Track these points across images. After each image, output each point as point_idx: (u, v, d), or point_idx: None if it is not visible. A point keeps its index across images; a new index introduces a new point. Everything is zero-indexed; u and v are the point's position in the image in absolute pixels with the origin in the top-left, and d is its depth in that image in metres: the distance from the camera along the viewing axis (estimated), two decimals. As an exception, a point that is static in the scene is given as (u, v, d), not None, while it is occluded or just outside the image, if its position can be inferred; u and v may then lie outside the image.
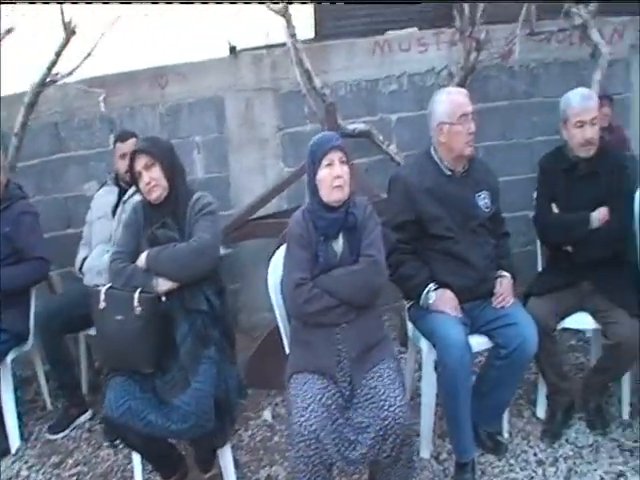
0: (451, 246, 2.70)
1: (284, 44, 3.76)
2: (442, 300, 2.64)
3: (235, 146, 3.99)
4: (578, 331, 3.41)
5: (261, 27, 3.99)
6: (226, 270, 4.06)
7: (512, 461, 2.74)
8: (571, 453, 2.75)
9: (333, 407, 2.29)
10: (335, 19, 4.18)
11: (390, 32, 4.02)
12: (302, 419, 2.22)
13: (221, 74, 3.94)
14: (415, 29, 4.05)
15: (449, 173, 2.76)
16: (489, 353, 2.71)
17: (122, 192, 3.36)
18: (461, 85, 3.60)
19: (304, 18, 4.23)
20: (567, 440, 2.82)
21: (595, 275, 2.83)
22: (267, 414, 3.26)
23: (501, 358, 2.61)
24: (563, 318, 2.85)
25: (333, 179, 2.39)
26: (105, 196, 3.49)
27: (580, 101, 2.88)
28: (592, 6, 3.91)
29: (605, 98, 3.77)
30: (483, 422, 2.78)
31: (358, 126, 3.71)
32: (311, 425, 2.20)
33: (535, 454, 2.76)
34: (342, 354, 2.36)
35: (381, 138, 3.71)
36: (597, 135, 2.86)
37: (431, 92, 3.59)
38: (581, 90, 2.95)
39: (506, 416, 2.85)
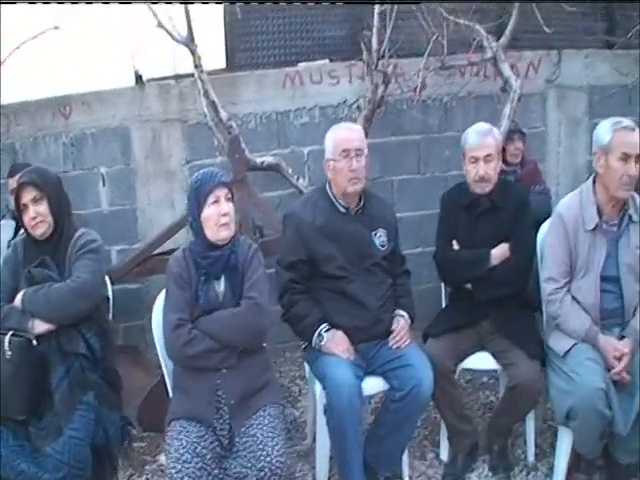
0: (344, 286, 2.61)
1: (193, 74, 3.71)
2: (333, 342, 2.55)
3: (142, 178, 3.87)
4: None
5: (169, 56, 3.95)
6: (135, 306, 3.97)
7: (410, 507, 2.66)
8: (472, 498, 2.68)
9: (209, 457, 2.17)
10: (247, 50, 4.13)
11: (302, 64, 4.00)
12: (173, 471, 2.11)
13: (127, 104, 3.84)
14: (327, 61, 4.03)
15: (343, 210, 2.69)
16: (385, 396, 2.62)
17: (19, 227, 3.23)
18: (369, 119, 3.60)
19: (215, 48, 4.19)
20: (468, 485, 2.75)
21: (495, 314, 2.78)
22: (163, 458, 3.11)
23: (396, 401, 2.52)
24: (464, 358, 2.79)
25: (219, 217, 2.31)
26: (2, 231, 3.36)
27: (475, 137, 2.85)
28: (503, 39, 3.98)
29: (517, 132, 3.79)
30: (382, 466, 2.67)
31: (267, 159, 3.65)
32: (182, 478, 2.09)
33: (434, 499, 2.69)
34: (222, 401, 2.25)
35: (290, 171, 3.65)
36: (493, 172, 2.81)
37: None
38: (479, 126, 2.92)
39: (407, 459, 2.76)
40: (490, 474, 2.79)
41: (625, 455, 2.57)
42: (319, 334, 2.58)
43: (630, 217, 2.62)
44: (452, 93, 4.13)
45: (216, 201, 2.32)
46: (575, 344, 2.60)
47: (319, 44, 4.13)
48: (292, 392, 3.54)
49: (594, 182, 2.64)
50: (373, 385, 2.60)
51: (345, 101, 3.96)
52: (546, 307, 2.74)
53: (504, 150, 3.77)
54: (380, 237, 2.74)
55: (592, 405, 2.41)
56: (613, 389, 2.47)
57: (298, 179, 3.64)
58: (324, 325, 2.59)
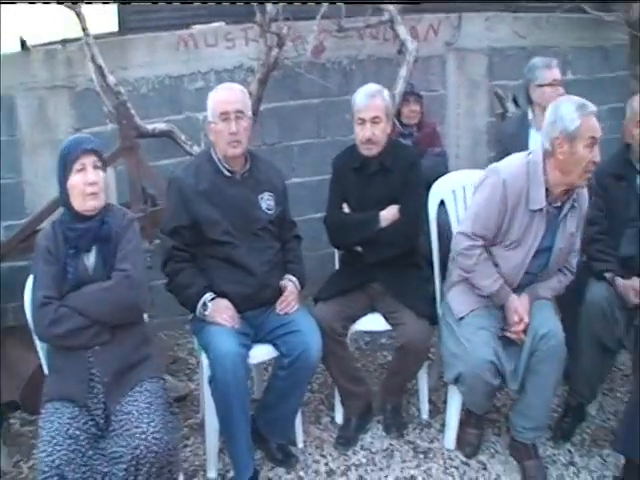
0: (229, 251, 2.51)
1: (80, 39, 3.46)
2: (217, 310, 2.45)
3: (28, 149, 3.60)
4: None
5: (58, 21, 3.67)
6: (24, 284, 3.74)
7: (302, 473, 2.59)
8: (364, 460, 2.64)
9: (82, 438, 2.03)
10: (139, 12, 3.89)
11: (196, 26, 3.80)
12: (43, 454, 1.97)
13: (11, 71, 3.56)
14: (222, 24, 3.85)
15: (228, 174, 2.57)
16: (274, 363, 2.56)
17: None
18: (263, 82, 3.45)
19: (107, 11, 3.94)
20: (362, 446, 2.72)
21: (384, 275, 2.74)
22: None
23: (284, 368, 2.46)
24: (355, 321, 2.74)
25: (86, 186, 2.14)
26: None
27: (363, 98, 2.77)
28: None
29: (413, 94, 3.73)
30: (274, 434, 2.62)
31: (158, 126, 3.46)
32: (53, 461, 1.95)
33: (327, 464, 2.63)
34: (95, 379, 2.11)
35: (184, 138, 3.47)
36: (381, 134, 2.75)
37: (240, 90, 3.50)
38: (368, 87, 2.83)
39: (301, 424, 2.71)
40: (384, 434, 2.77)
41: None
42: (203, 303, 2.47)
43: (573, 202, 2.56)
44: (351, 56, 4.02)
45: (82, 169, 2.15)
46: (473, 310, 2.59)
47: (215, 6, 3.92)
48: (190, 365, 3.41)
49: (544, 160, 2.49)
50: (262, 353, 2.53)
51: (241, 65, 3.78)
52: (457, 260, 2.62)
53: (400, 112, 3.74)
54: (267, 201, 2.63)
55: (480, 375, 2.44)
56: (503, 353, 2.49)
57: (192, 146, 3.47)
58: (209, 294, 2.48)
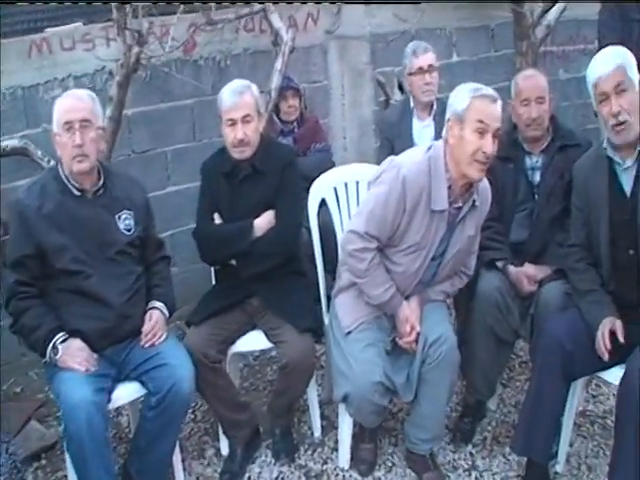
0: (81, 282, 2.17)
1: None
2: (68, 354, 2.10)
3: None
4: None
5: None
6: None
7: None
8: (251, 493, 2.39)
9: None
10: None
11: (49, 29, 3.39)
12: None
13: None
14: (79, 24, 3.44)
15: (78, 193, 2.23)
16: (142, 402, 2.24)
17: None
18: (124, 85, 3.08)
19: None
20: (249, 478, 2.44)
21: (263, 289, 2.48)
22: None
23: (153, 407, 2.15)
24: (234, 342, 2.47)
25: None
26: None
27: (230, 97, 2.48)
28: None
29: (291, 89, 3.45)
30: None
31: (10, 142, 3.04)
32: None
33: (210, 502, 2.36)
34: None
35: (41, 154, 3.08)
36: (253, 134, 2.48)
37: (105, 95, 3.12)
38: (234, 83, 2.55)
39: (180, 462, 2.38)
40: (274, 460, 2.51)
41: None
42: (54, 346, 2.12)
43: (474, 202, 2.32)
44: (225, 51, 3.68)
45: None
46: (361, 323, 2.37)
47: (71, 6, 3.51)
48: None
49: (445, 154, 2.26)
50: (126, 393, 2.22)
51: (103, 68, 3.37)
52: (347, 262, 2.38)
53: (278, 108, 3.47)
54: (125, 220, 2.31)
55: (368, 397, 2.25)
56: (393, 367, 2.31)
57: (50, 162, 3.07)
58: (60, 335, 2.13)
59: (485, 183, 2.38)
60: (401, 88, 4.33)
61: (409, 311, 2.33)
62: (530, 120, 2.70)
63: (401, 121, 3.28)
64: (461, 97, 2.20)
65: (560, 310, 2.46)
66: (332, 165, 3.38)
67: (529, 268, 2.70)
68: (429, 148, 2.32)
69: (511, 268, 2.70)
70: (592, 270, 2.36)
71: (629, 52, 2.27)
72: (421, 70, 3.16)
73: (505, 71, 4.29)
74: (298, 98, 3.48)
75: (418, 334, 2.30)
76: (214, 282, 2.68)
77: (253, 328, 2.51)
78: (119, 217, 2.29)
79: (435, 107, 3.25)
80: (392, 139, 3.30)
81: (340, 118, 4.09)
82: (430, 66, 3.17)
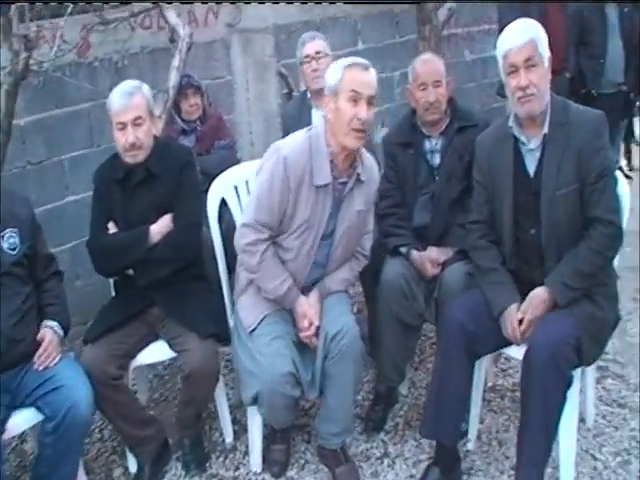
0: (-37, 309, 2.03)
1: None
2: (-47, 386, 1.98)
3: None
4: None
5: None
6: None
7: None
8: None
9: None
10: None
11: None
12: None
13: None
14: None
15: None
16: (40, 429, 2.10)
17: None
18: (13, 94, 2.89)
19: None
20: (159, 494, 2.36)
21: (163, 297, 2.38)
22: None
23: (50, 433, 2.03)
24: (135, 355, 2.36)
25: None
26: None
27: (119, 99, 2.36)
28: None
29: (191, 87, 3.30)
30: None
31: None
32: None
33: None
34: None
35: None
36: (145, 136, 2.37)
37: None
38: (124, 85, 2.43)
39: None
40: (184, 473, 2.42)
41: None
42: None
43: (358, 175, 2.29)
44: (122, 50, 3.52)
45: None
46: (264, 317, 2.30)
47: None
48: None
49: (325, 131, 2.25)
50: (22, 420, 2.09)
51: (-8, 74, 3.20)
52: (242, 259, 2.32)
53: (179, 108, 3.34)
54: (8, 239, 2.17)
55: (279, 391, 2.19)
56: (300, 360, 2.25)
57: None
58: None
59: (371, 161, 2.39)
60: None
61: (307, 306, 2.28)
62: (428, 104, 2.68)
63: (300, 113, 3.21)
64: (334, 72, 2.19)
65: (463, 291, 2.46)
66: (236, 162, 3.27)
67: (432, 252, 2.69)
68: (310, 129, 2.32)
69: (414, 253, 2.69)
70: (494, 248, 2.37)
71: (541, 27, 2.24)
72: (308, 58, 3.10)
73: (410, 56, 4.20)
74: (200, 96, 3.35)
75: (318, 328, 2.26)
76: (113, 294, 2.57)
77: (156, 338, 2.41)
78: (2, 236, 2.15)
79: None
80: (293, 131, 3.22)
81: (246, 113, 3.99)
82: (317, 52, 3.10)
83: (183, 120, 3.30)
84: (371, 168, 2.38)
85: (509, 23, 3.83)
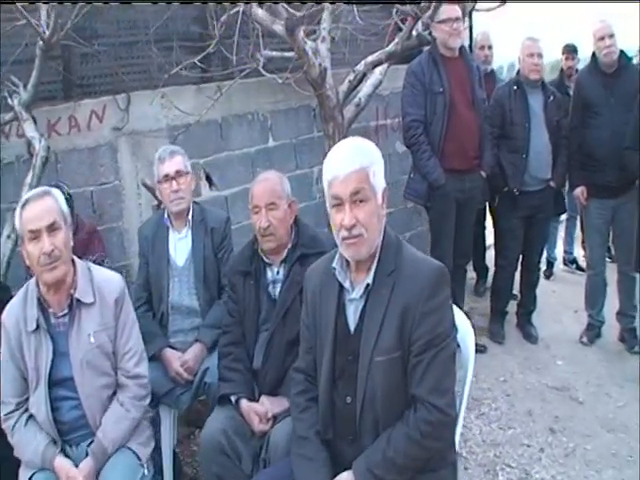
0: None
1: None
2: None
3: None
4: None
5: None
6: None
7: None
8: None
9: None
10: None
11: None
12: None
13: None
14: None
15: None
16: None
17: None
18: None
19: None
20: None
21: None
22: None
23: None
24: None
25: None
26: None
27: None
28: (25, 94, 3.22)
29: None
30: None
31: None
32: None
33: None
34: None
35: None
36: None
37: None
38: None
39: None
40: None
41: None
42: None
43: (79, 300, 2.07)
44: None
45: None
46: (34, 473, 2.02)
47: None
48: None
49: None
50: None
51: None
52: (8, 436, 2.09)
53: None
54: None
55: None
56: None
57: None
58: None
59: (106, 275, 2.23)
60: (209, 180, 4.02)
61: (61, 466, 2.03)
62: (262, 229, 2.37)
63: (156, 234, 2.91)
64: None
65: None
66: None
67: (263, 402, 2.31)
68: None
69: (244, 403, 2.32)
70: (313, 409, 1.96)
71: (376, 150, 1.85)
72: (167, 178, 2.82)
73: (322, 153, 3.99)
74: (69, 207, 3.08)
75: None
76: None
77: None
78: None
79: (191, 216, 2.90)
80: (147, 255, 2.92)
81: (137, 219, 3.69)
82: (177, 172, 2.82)
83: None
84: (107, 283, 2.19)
85: (414, 120, 3.62)
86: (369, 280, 1.80)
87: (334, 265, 1.87)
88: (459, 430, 2.04)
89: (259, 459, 2.24)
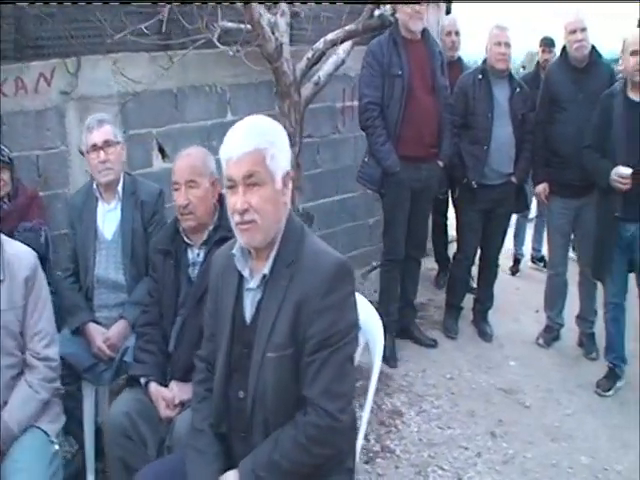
0: None
1: None
2: None
3: None
4: None
5: None
6: None
7: None
8: None
9: None
10: None
11: None
12: None
13: None
14: None
15: None
16: None
17: None
18: None
19: None
20: None
21: None
22: None
23: None
24: None
25: None
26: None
27: None
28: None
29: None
30: None
31: None
32: None
33: None
34: None
35: None
36: None
37: None
38: None
39: None
40: None
41: None
42: None
43: None
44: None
45: None
46: None
47: None
48: None
49: None
50: None
51: None
52: None
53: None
54: None
55: None
56: None
57: None
58: None
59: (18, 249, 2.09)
60: (162, 151, 3.90)
61: None
62: (181, 207, 2.27)
63: (85, 204, 2.79)
64: None
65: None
66: (41, 248, 2.85)
67: (172, 388, 2.23)
68: None
69: (152, 387, 2.23)
70: (208, 401, 1.85)
71: (280, 129, 1.75)
72: (95, 147, 2.69)
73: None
74: (8, 171, 2.95)
75: None
76: None
77: None
78: None
79: (121, 187, 2.78)
80: (75, 226, 2.81)
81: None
82: (106, 142, 2.70)
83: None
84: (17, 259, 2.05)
85: (370, 102, 3.49)
86: (266, 270, 1.70)
87: (234, 251, 1.76)
88: (361, 436, 1.96)
89: (164, 446, 2.16)
